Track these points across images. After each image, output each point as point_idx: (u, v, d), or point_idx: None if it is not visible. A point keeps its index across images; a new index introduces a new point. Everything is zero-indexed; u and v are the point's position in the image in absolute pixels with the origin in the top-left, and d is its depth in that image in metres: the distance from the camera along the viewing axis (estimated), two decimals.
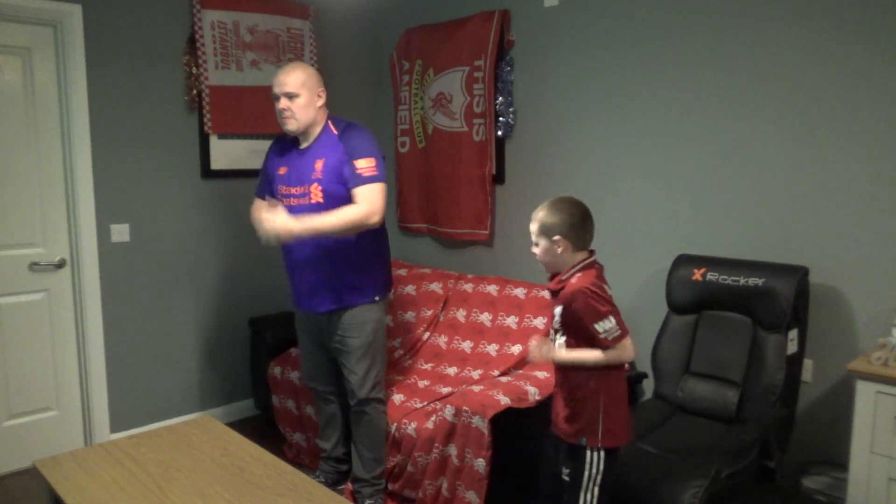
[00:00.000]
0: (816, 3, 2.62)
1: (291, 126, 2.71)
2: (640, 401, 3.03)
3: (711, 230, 2.98)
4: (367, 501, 2.85)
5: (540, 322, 3.26)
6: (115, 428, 3.48)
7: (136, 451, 2.37)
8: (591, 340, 2.03)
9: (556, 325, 2.12)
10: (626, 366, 2.11)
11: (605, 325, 1.99)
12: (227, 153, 3.76)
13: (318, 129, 2.76)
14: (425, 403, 3.02)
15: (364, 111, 4.30)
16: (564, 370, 2.13)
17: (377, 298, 2.81)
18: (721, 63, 2.88)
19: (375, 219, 2.63)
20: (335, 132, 2.74)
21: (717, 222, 2.96)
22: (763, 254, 2.79)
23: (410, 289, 3.83)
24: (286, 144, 2.85)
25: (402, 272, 3.92)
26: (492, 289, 3.55)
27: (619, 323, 2.00)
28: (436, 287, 3.77)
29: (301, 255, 2.75)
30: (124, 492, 2.09)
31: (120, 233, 3.44)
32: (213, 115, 3.65)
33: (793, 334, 2.58)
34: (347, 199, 2.66)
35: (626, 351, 2.02)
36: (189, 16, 3.56)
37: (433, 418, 2.84)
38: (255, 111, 3.78)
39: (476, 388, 2.84)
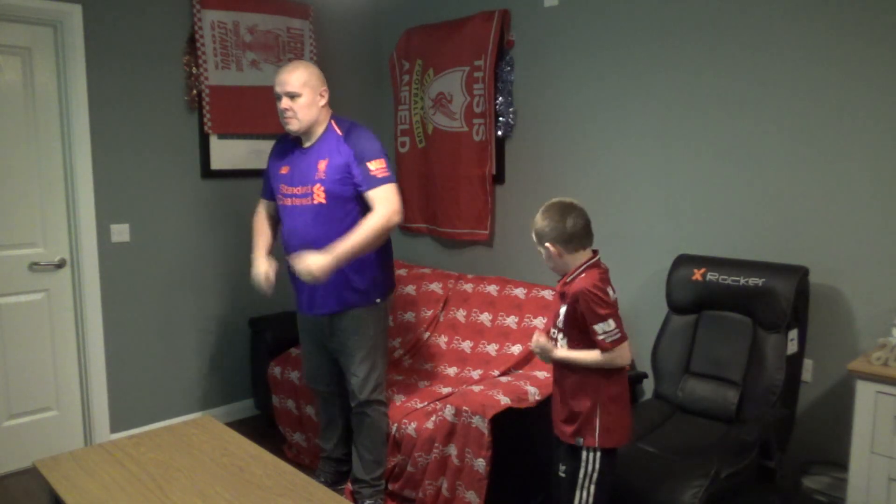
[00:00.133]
0: (816, 3, 2.62)
1: (293, 126, 2.69)
2: (640, 401, 3.03)
3: (711, 230, 2.98)
4: (367, 502, 2.84)
5: (540, 322, 3.26)
6: (115, 428, 3.48)
7: (136, 451, 2.37)
8: (591, 343, 2.04)
9: (560, 325, 2.12)
10: (627, 366, 2.11)
11: (605, 328, 1.99)
12: (227, 153, 3.76)
13: (321, 129, 2.74)
14: (425, 403, 3.02)
15: (364, 111, 4.30)
16: (562, 371, 2.14)
17: (378, 301, 2.79)
18: (721, 63, 2.88)
19: (397, 218, 2.64)
20: (339, 132, 2.72)
21: (717, 222, 2.96)
22: (763, 254, 2.79)
23: (410, 289, 3.83)
24: (289, 144, 2.83)
25: (402, 272, 3.92)
26: (492, 289, 3.55)
27: (619, 327, 2.01)
28: (436, 287, 3.77)
29: None
30: (124, 492, 2.09)
31: (120, 233, 3.44)
32: (213, 115, 3.65)
33: (793, 334, 2.58)
34: (351, 200, 2.65)
35: (622, 356, 2.03)
36: (189, 16, 3.56)
37: (433, 418, 2.84)
38: (255, 111, 3.78)
39: (476, 388, 2.84)
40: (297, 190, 2.72)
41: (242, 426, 3.77)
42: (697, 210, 3.02)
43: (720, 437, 2.49)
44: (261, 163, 3.84)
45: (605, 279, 2.07)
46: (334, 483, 2.99)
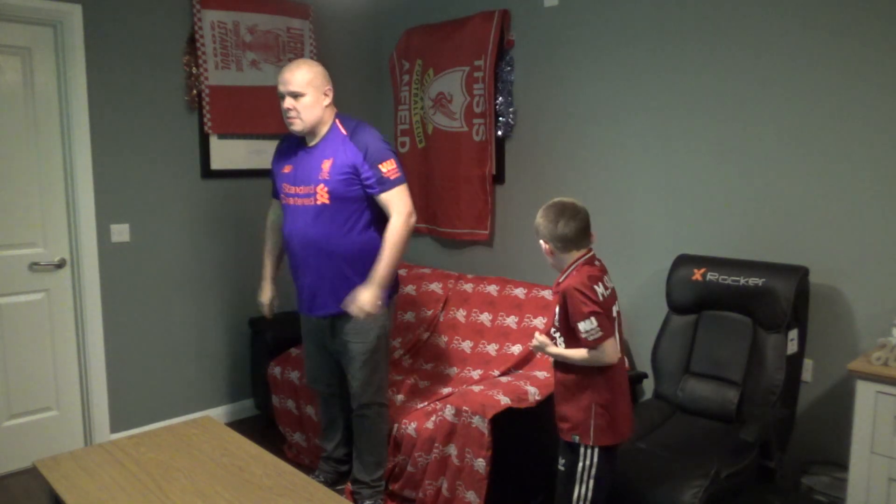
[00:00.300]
0: (816, 4, 2.62)
1: (297, 127, 2.66)
2: (640, 401, 3.03)
3: (711, 230, 2.98)
4: (367, 502, 2.84)
5: (540, 322, 3.26)
6: (115, 428, 3.48)
7: (136, 451, 2.37)
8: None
9: (556, 324, 2.14)
10: (627, 364, 2.13)
11: (586, 326, 2.01)
12: (227, 153, 3.76)
13: (325, 128, 2.70)
14: (425, 403, 3.02)
15: (364, 111, 4.30)
16: (560, 370, 2.16)
17: (379, 304, 2.75)
18: (721, 63, 2.88)
19: (413, 218, 2.67)
20: (344, 132, 2.69)
21: (717, 222, 2.96)
22: (763, 254, 2.79)
23: (410, 289, 3.83)
24: (293, 142, 2.80)
25: (402, 272, 3.92)
26: (492, 289, 3.55)
27: (602, 325, 2.01)
28: (436, 287, 3.77)
29: (303, 258, 2.72)
30: (124, 492, 2.09)
31: (120, 233, 3.43)
32: (213, 115, 3.65)
33: (793, 334, 2.58)
34: (356, 201, 2.64)
35: (606, 353, 2.04)
36: (189, 16, 3.56)
37: (433, 418, 2.84)
38: (255, 111, 3.78)
39: (476, 388, 2.84)
40: (300, 190, 2.69)
41: (242, 426, 3.77)
42: (697, 210, 3.02)
43: (720, 437, 2.49)
44: (261, 163, 3.87)
45: (594, 277, 2.08)
46: (334, 483, 2.99)
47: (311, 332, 2.91)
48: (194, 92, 3.59)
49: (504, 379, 3.00)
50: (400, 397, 3.10)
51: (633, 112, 3.19)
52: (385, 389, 2.86)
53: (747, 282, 2.64)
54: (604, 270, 2.14)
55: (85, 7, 3.22)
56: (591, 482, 2.09)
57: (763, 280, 2.61)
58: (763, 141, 2.80)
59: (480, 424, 2.62)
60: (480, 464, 2.61)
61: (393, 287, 2.81)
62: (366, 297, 2.59)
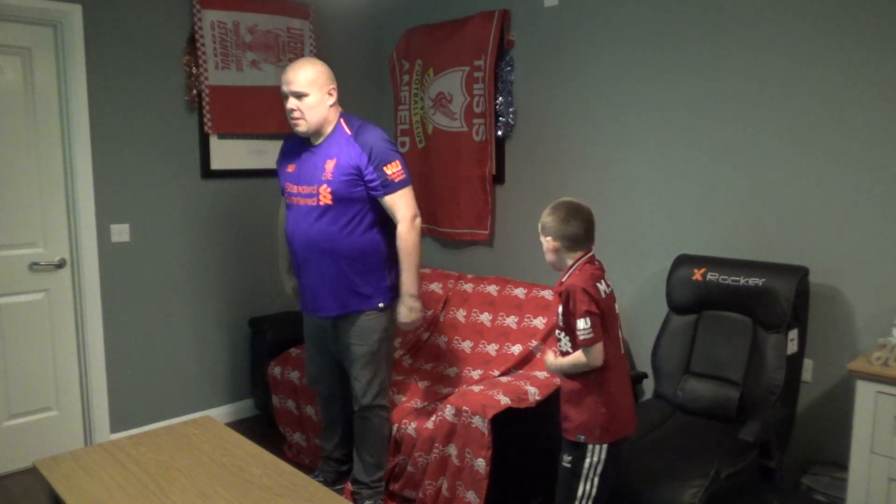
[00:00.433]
0: (816, 4, 2.62)
1: (302, 127, 2.64)
2: (640, 401, 3.03)
3: (711, 230, 2.98)
4: (367, 503, 2.84)
5: (540, 322, 3.26)
6: (115, 428, 3.48)
7: (136, 451, 2.37)
8: None
9: (560, 324, 2.15)
10: (626, 366, 2.14)
11: (581, 325, 2.03)
12: (227, 153, 3.76)
13: (329, 128, 2.68)
14: (425, 403, 3.02)
15: (364, 111, 4.29)
16: (564, 375, 2.18)
17: (381, 305, 2.73)
18: (721, 63, 2.88)
19: (419, 221, 2.70)
20: (348, 132, 2.67)
21: (717, 222, 2.96)
22: (763, 254, 2.79)
23: None
24: (297, 141, 2.78)
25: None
26: (492, 289, 3.55)
27: (594, 327, 2.03)
28: (436, 287, 3.77)
29: (305, 259, 2.71)
30: (124, 492, 2.09)
31: (120, 233, 3.44)
32: (213, 115, 3.65)
33: (793, 334, 2.58)
34: (358, 202, 2.62)
35: (591, 356, 2.06)
36: (189, 16, 3.56)
37: (433, 418, 2.84)
38: (255, 111, 3.78)
39: (476, 388, 2.84)
40: (303, 189, 2.68)
41: (242, 426, 3.77)
42: (697, 210, 3.02)
43: (720, 437, 2.49)
44: (261, 163, 3.87)
45: (595, 276, 2.10)
46: (334, 482, 2.98)
47: (314, 333, 2.90)
48: (194, 92, 3.59)
49: (504, 379, 3.00)
50: (400, 397, 3.10)
51: (633, 112, 3.19)
52: (387, 391, 2.85)
53: (747, 282, 2.64)
54: (603, 270, 2.16)
55: (85, 7, 3.22)
56: (597, 479, 2.10)
57: (763, 280, 2.61)
58: (763, 141, 2.80)
59: (480, 424, 2.61)
60: (480, 464, 2.61)
61: (393, 290, 2.78)
62: (403, 312, 2.71)
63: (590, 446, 2.10)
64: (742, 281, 2.66)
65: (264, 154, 3.88)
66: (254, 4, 3.75)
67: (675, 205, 3.09)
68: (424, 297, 3.74)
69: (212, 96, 3.63)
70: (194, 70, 3.58)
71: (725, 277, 2.70)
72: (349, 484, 2.92)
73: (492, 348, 3.37)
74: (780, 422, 2.51)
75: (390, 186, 2.61)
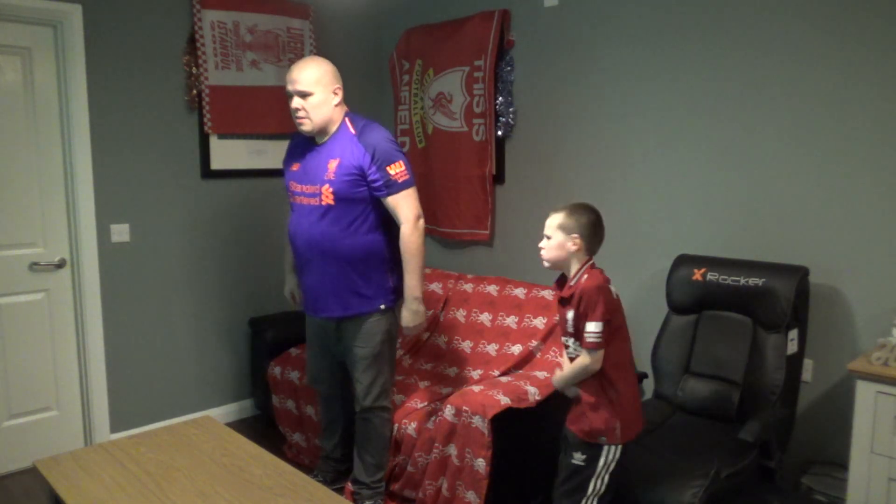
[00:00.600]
0: (815, 4, 2.62)
1: (306, 127, 2.62)
2: (641, 401, 3.03)
3: (711, 230, 2.98)
4: (367, 503, 2.84)
5: (540, 322, 3.26)
6: (115, 428, 3.48)
7: (136, 451, 2.37)
8: None
9: (570, 330, 2.14)
10: (633, 366, 2.18)
11: (594, 328, 2.04)
12: (227, 153, 3.76)
13: (334, 127, 2.66)
14: (425, 403, 3.01)
15: (364, 111, 4.25)
16: (578, 385, 2.18)
17: (383, 307, 2.71)
18: (721, 63, 2.88)
19: (422, 222, 2.67)
20: (352, 131, 2.64)
21: (717, 222, 2.96)
22: (763, 254, 2.79)
23: None
24: (303, 140, 2.76)
25: None
26: (492, 289, 3.55)
27: (603, 333, 2.04)
28: (436, 287, 3.77)
29: (307, 259, 2.70)
30: (124, 492, 2.09)
31: (120, 233, 3.43)
32: (213, 115, 3.65)
33: (793, 334, 2.58)
34: (360, 202, 2.61)
35: (596, 359, 2.07)
36: (189, 16, 3.56)
37: (433, 418, 2.84)
38: (255, 111, 3.78)
39: (476, 388, 2.84)
40: (307, 188, 2.67)
41: (242, 426, 3.77)
42: (697, 210, 3.02)
43: (720, 437, 2.49)
44: (261, 163, 3.88)
45: (608, 280, 2.12)
46: (333, 482, 2.98)
47: (316, 334, 2.89)
48: (194, 92, 3.59)
49: (504, 379, 3.00)
50: (400, 397, 3.10)
51: (633, 112, 3.19)
52: (388, 393, 2.83)
53: (747, 282, 2.64)
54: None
55: (85, 7, 3.22)
56: (607, 477, 2.13)
57: (763, 280, 2.61)
58: (763, 141, 2.80)
59: (480, 424, 2.61)
60: (480, 464, 2.61)
61: (396, 291, 2.77)
62: (406, 315, 2.68)
63: (605, 446, 2.12)
64: (742, 281, 2.66)
65: (264, 154, 3.88)
66: (254, 4, 3.75)
67: (675, 205, 3.09)
68: (424, 297, 3.73)
69: (212, 96, 3.63)
70: (194, 70, 3.58)
71: (725, 277, 2.70)
72: (349, 484, 2.91)
73: (492, 348, 3.37)
74: (780, 422, 2.51)
75: (393, 187, 2.59)
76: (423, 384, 3.27)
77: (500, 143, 3.73)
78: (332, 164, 2.61)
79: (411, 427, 2.88)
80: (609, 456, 2.12)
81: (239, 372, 3.93)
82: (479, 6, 3.73)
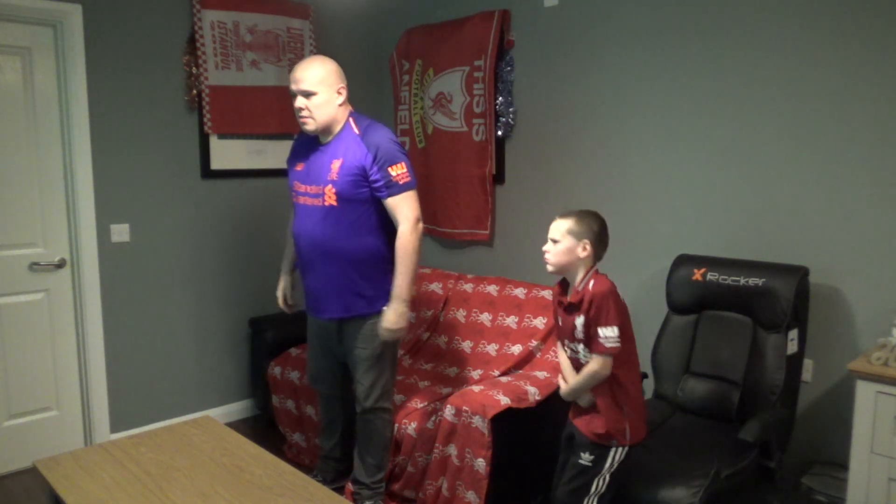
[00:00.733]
0: (815, 4, 2.62)
1: (310, 126, 2.61)
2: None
3: (711, 230, 2.98)
4: (367, 503, 2.84)
5: (540, 322, 3.26)
6: (115, 428, 3.48)
7: (136, 451, 2.37)
8: None
9: (579, 336, 2.15)
10: (639, 368, 2.20)
11: (609, 332, 2.05)
12: (227, 153, 3.76)
13: (338, 127, 2.65)
14: (425, 403, 3.01)
15: (364, 111, 4.26)
16: (592, 391, 2.19)
17: (385, 308, 2.69)
18: (721, 63, 2.88)
19: (420, 224, 2.64)
20: (356, 131, 2.63)
21: (717, 222, 2.96)
22: (763, 254, 2.79)
23: None
24: (307, 139, 2.75)
25: None
26: (492, 289, 3.55)
27: (619, 337, 2.06)
28: (436, 287, 3.77)
29: (309, 259, 2.70)
30: (124, 492, 2.09)
31: (120, 233, 3.43)
32: (213, 115, 3.65)
33: (793, 334, 2.58)
34: (363, 203, 2.60)
35: (604, 367, 2.09)
36: (189, 16, 3.56)
37: (433, 418, 2.84)
38: (255, 111, 3.78)
39: (476, 388, 2.84)
40: (310, 189, 2.66)
41: (242, 426, 3.77)
42: (697, 210, 3.02)
43: (720, 437, 2.49)
44: (261, 163, 3.88)
45: (615, 285, 2.13)
46: (332, 481, 2.98)
47: (318, 334, 2.88)
48: (194, 92, 3.59)
49: (504, 379, 3.00)
50: (400, 397, 3.10)
51: (633, 112, 3.19)
52: (390, 394, 2.83)
53: (747, 282, 2.64)
54: None
55: (85, 7, 3.22)
56: (609, 477, 2.15)
57: (763, 280, 2.61)
58: (763, 141, 2.80)
59: (480, 424, 2.61)
60: (480, 464, 2.61)
61: None
62: (388, 318, 2.60)
63: (613, 448, 2.14)
64: (742, 281, 2.66)
65: (264, 154, 3.88)
66: (254, 4, 3.75)
67: (675, 205, 3.09)
68: (424, 297, 3.75)
69: (212, 96, 3.63)
70: (194, 70, 3.58)
71: (725, 277, 2.70)
72: (349, 484, 2.91)
73: (492, 348, 3.37)
74: (780, 422, 2.51)
75: (393, 188, 2.57)
76: (423, 384, 3.27)
77: (500, 143, 3.73)
78: (336, 165, 2.60)
79: (411, 427, 2.88)
80: (616, 457, 2.14)
81: (239, 372, 3.93)
82: (479, 6, 3.73)
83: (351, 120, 2.68)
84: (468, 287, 3.65)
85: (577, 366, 2.19)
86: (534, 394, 2.82)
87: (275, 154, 3.91)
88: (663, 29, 3.04)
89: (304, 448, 3.40)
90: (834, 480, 2.54)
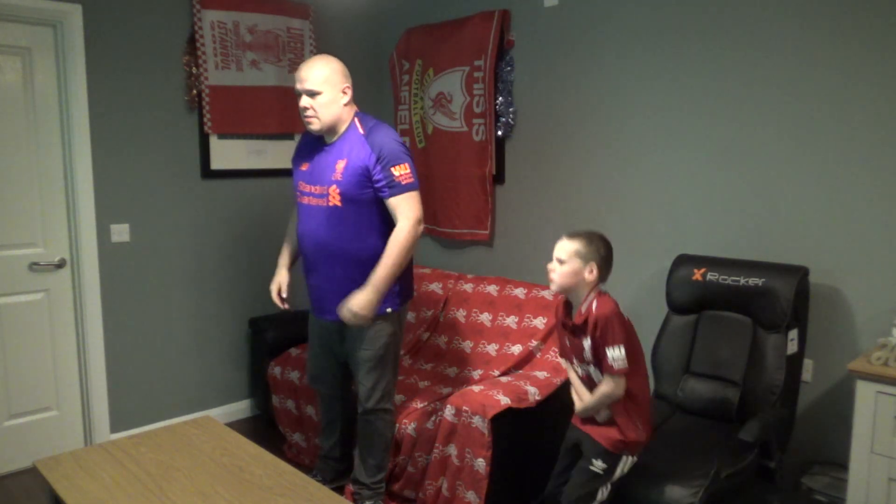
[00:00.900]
0: (815, 4, 2.62)
1: (315, 126, 2.60)
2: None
3: (711, 230, 2.98)
4: (367, 503, 2.84)
5: (540, 322, 3.26)
6: (115, 428, 3.49)
7: (136, 451, 2.37)
8: None
9: (588, 358, 2.16)
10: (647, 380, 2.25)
11: (617, 353, 2.06)
12: (227, 153, 3.76)
13: (343, 127, 2.64)
14: (425, 403, 3.01)
15: (364, 111, 4.28)
16: (608, 408, 2.21)
17: (389, 310, 2.67)
18: (721, 63, 2.88)
19: (421, 226, 2.60)
20: (361, 131, 2.62)
21: (717, 222, 2.96)
22: (763, 254, 2.79)
23: None
24: (312, 139, 2.74)
25: None
26: (492, 289, 3.55)
27: (626, 357, 2.07)
28: (436, 287, 3.77)
29: (313, 260, 2.69)
30: (124, 492, 2.09)
31: (120, 233, 3.43)
32: (213, 115, 3.65)
33: (793, 334, 2.58)
34: (368, 203, 2.58)
35: (617, 387, 2.10)
36: (189, 16, 3.56)
37: (433, 418, 2.84)
38: (255, 111, 3.78)
39: (476, 388, 2.84)
40: (315, 189, 2.64)
41: (242, 426, 3.77)
42: (697, 210, 3.02)
43: (720, 437, 2.49)
44: (261, 163, 3.88)
45: (618, 305, 2.14)
46: (332, 481, 2.98)
47: (319, 335, 2.87)
48: (194, 92, 3.59)
49: (504, 379, 3.00)
50: (400, 397, 3.10)
51: (633, 112, 3.19)
52: (391, 395, 2.82)
53: (747, 282, 2.64)
54: None
55: (85, 7, 3.22)
56: (610, 485, 2.19)
57: (763, 280, 2.60)
58: (763, 141, 2.80)
59: (480, 424, 2.61)
60: (480, 464, 2.61)
61: (403, 296, 2.74)
62: (357, 301, 2.50)
63: (624, 456, 2.17)
64: (742, 281, 2.66)
65: (264, 154, 3.88)
66: (254, 4, 3.75)
67: (675, 205, 3.08)
68: (424, 297, 3.75)
69: (212, 96, 3.63)
70: (194, 70, 3.58)
71: (725, 277, 2.70)
72: (350, 484, 2.91)
73: (492, 348, 3.37)
74: (779, 422, 2.51)
75: (396, 188, 2.55)
76: (423, 384, 3.28)
77: (500, 143, 3.73)
78: (340, 165, 2.59)
79: (411, 427, 2.88)
80: (626, 466, 2.17)
81: (239, 372, 3.93)
82: (479, 6, 3.73)
83: (356, 120, 2.67)
84: (468, 287, 3.65)
85: (592, 385, 2.20)
86: (534, 394, 2.82)
87: (275, 154, 3.91)
88: (663, 29, 3.04)
89: (303, 448, 3.40)
90: (834, 480, 2.54)
